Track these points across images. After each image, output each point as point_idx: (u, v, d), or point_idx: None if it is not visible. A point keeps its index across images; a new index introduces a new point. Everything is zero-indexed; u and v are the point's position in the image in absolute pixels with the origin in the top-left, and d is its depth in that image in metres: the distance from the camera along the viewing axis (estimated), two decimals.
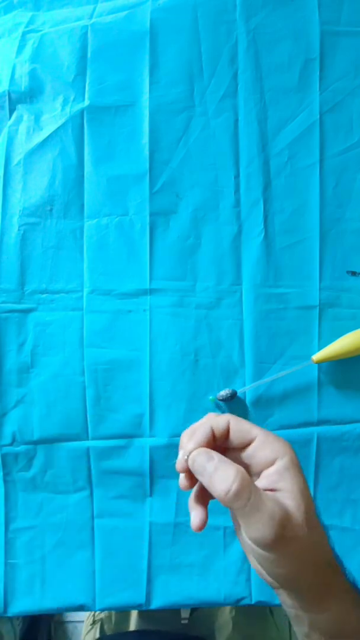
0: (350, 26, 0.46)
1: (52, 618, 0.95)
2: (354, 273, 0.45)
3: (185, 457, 0.28)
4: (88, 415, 0.45)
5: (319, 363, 0.43)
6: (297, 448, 0.44)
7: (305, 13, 0.46)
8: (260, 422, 0.45)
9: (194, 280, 0.45)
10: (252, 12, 0.46)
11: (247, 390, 0.44)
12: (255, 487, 0.26)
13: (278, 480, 0.27)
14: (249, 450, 0.29)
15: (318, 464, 0.45)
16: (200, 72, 0.46)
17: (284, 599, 0.29)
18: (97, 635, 0.58)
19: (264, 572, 0.28)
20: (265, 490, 0.27)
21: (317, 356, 0.43)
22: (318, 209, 0.45)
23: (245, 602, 0.44)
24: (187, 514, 0.29)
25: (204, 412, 0.45)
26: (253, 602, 0.44)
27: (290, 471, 0.27)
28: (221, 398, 0.44)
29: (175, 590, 0.45)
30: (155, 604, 0.45)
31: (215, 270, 0.45)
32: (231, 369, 0.45)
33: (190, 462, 0.28)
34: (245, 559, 0.45)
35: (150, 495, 0.45)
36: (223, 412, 0.45)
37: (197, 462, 0.27)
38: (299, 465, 0.28)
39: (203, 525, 0.28)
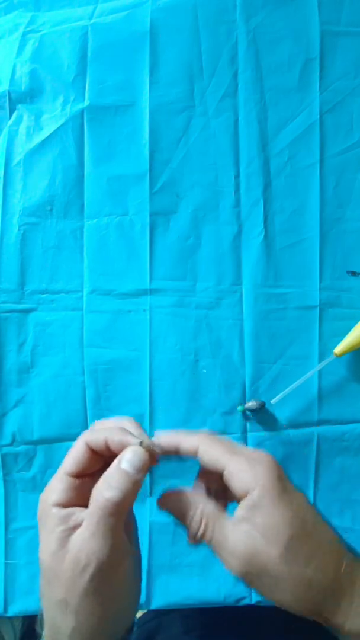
0: (350, 26, 0.45)
1: None
2: (354, 273, 0.45)
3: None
4: (88, 416, 0.45)
5: (342, 355, 0.43)
6: (297, 448, 0.45)
7: (305, 13, 0.46)
8: (260, 423, 0.45)
9: (194, 280, 0.45)
10: (252, 12, 0.46)
11: (278, 399, 0.44)
12: (221, 523, 0.26)
13: (248, 513, 0.26)
14: (224, 477, 0.27)
15: (318, 464, 0.45)
16: (200, 72, 0.46)
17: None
18: None
19: None
20: (239, 520, 0.26)
21: (339, 349, 0.43)
22: (318, 209, 0.45)
23: (245, 602, 0.44)
24: None
25: (204, 412, 0.45)
26: (253, 602, 0.44)
27: (262, 503, 0.25)
28: (250, 409, 0.44)
29: (175, 590, 0.45)
30: (155, 604, 0.45)
31: (215, 270, 0.45)
32: (231, 369, 0.45)
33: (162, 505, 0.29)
34: None
35: (150, 495, 0.45)
36: (251, 422, 0.45)
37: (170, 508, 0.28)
38: (275, 490, 0.26)
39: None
